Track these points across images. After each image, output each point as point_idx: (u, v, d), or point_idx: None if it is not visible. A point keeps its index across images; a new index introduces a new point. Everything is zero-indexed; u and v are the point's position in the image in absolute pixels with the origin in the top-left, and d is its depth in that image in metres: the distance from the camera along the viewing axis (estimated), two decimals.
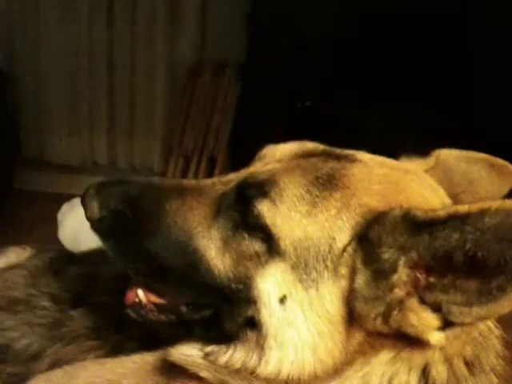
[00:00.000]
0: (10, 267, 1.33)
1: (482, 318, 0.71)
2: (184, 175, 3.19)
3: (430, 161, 0.96)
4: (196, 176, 3.16)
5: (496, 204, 0.65)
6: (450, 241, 0.67)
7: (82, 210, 1.96)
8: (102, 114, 3.62)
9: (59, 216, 2.05)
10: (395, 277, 0.72)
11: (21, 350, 1.11)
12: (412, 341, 0.74)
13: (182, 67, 3.44)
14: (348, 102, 2.89)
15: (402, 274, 0.72)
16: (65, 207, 2.07)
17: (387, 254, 0.72)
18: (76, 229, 1.91)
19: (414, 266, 0.72)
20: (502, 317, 0.79)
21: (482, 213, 0.65)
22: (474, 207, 0.66)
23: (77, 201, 2.09)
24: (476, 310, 0.68)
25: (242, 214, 0.81)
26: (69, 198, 2.43)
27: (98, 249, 1.40)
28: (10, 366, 1.09)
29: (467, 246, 0.66)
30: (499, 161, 0.97)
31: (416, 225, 0.70)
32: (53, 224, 2.29)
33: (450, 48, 2.76)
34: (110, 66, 3.56)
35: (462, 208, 0.67)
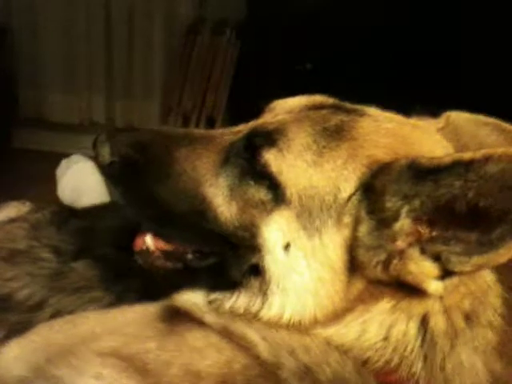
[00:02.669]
0: (11, 220, 1.34)
1: (481, 267, 0.72)
2: None
3: (439, 122, 0.96)
4: None
5: (500, 151, 0.65)
6: (453, 188, 0.68)
7: (81, 167, 1.96)
8: (99, 72, 3.59)
9: (58, 172, 2.04)
10: (398, 226, 0.73)
11: (23, 299, 1.12)
12: (412, 291, 0.75)
13: (180, 25, 3.39)
14: (348, 64, 2.86)
15: (405, 223, 0.73)
16: (64, 164, 2.05)
17: (391, 203, 0.73)
18: (75, 185, 1.90)
19: (416, 218, 0.73)
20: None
21: (486, 160, 0.65)
22: (479, 154, 0.66)
23: (76, 157, 2.10)
24: (475, 259, 0.69)
25: (249, 162, 0.82)
26: (67, 156, 2.42)
27: (98, 204, 1.41)
28: (13, 314, 1.11)
29: (470, 195, 0.67)
30: (510, 126, 0.97)
31: (421, 173, 0.71)
32: (51, 182, 2.29)
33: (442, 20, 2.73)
34: (107, 23, 3.51)
35: (467, 155, 0.67)
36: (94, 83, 3.60)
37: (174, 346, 0.83)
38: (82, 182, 1.87)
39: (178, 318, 0.87)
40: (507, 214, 0.65)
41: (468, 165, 0.66)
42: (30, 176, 2.84)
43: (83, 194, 1.80)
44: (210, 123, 3.21)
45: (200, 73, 3.26)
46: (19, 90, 3.57)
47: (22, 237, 1.24)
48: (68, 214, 1.35)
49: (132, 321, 0.93)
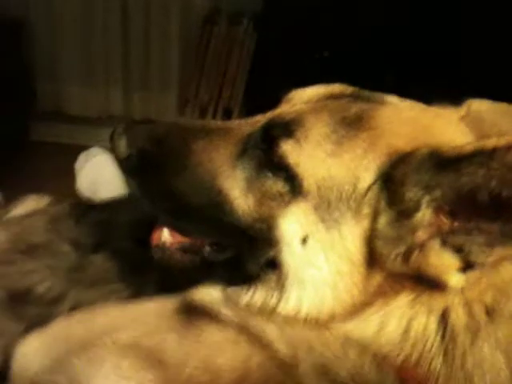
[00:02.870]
0: (30, 213, 1.35)
1: (504, 258, 0.70)
2: None
3: (460, 110, 0.94)
4: None
5: None
6: (476, 178, 0.66)
7: (99, 160, 1.97)
8: (116, 65, 3.60)
9: (77, 166, 2.05)
10: (418, 217, 0.72)
11: (42, 292, 1.13)
12: (432, 284, 0.74)
13: (197, 16, 3.38)
14: (366, 52, 2.84)
15: (426, 214, 0.72)
16: (82, 157, 2.06)
17: (411, 193, 0.71)
18: (94, 178, 1.91)
19: (438, 209, 0.71)
20: None
21: (509, 148, 0.63)
22: (501, 142, 0.64)
23: (94, 150, 2.11)
24: (498, 250, 0.68)
25: (266, 153, 0.81)
26: (86, 149, 2.43)
27: (116, 197, 1.42)
28: (32, 308, 1.11)
29: (492, 184, 0.65)
30: None
31: (442, 162, 0.69)
32: (69, 175, 2.30)
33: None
34: (123, 15, 3.51)
35: (489, 143, 0.65)
36: (111, 76, 3.62)
37: (193, 339, 0.82)
38: (100, 174, 1.88)
39: (195, 312, 0.87)
40: None
41: (491, 153, 0.65)
42: (49, 169, 2.86)
43: (101, 187, 1.81)
44: (227, 115, 3.21)
45: (217, 64, 3.26)
46: (37, 83, 3.59)
47: (41, 230, 1.25)
48: (86, 207, 1.35)
49: (151, 314, 0.94)
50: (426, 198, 0.71)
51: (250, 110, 3.33)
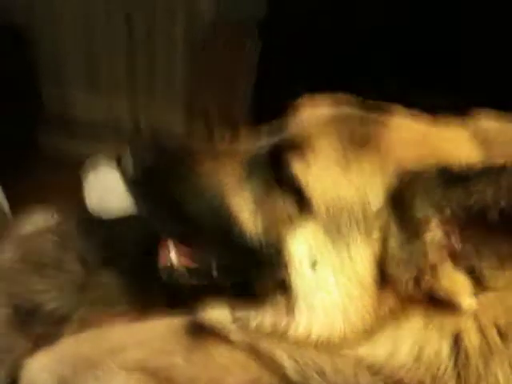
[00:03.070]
0: (39, 232, 1.34)
1: None
2: (206, 137, 3.18)
3: (468, 126, 0.93)
4: (218, 138, 3.15)
5: None
6: (485, 196, 0.65)
7: (106, 172, 1.95)
8: (121, 71, 3.61)
9: (84, 179, 2.05)
10: (428, 238, 0.71)
11: (50, 312, 1.13)
12: (444, 307, 0.73)
13: (202, 23, 3.39)
14: (372, 57, 2.83)
15: (436, 235, 0.71)
16: (89, 168, 2.06)
17: (421, 213, 0.71)
18: (102, 197, 1.91)
19: (448, 230, 0.70)
20: None
21: None
22: (511, 160, 0.64)
23: (101, 162, 2.10)
24: (510, 273, 0.67)
25: (275, 175, 0.81)
26: (93, 160, 2.42)
27: (125, 215, 1.41)
28: (39, 327, 1.11)
29: (502, 203, 0.64)
30: None
31: (451, 181, 0.68)
32: (75, 185, 2.31)
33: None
34: (128, 22, 3.52)
35: (499, 161, 0.65)
36: (115, 88, 3.62)
37: (200, 361, 0.82)
38: (107, 188, 1.88)
39: (203, 333, 0.86)
40: None
41: (500, 171, 0.64)
42: (55, 178, 2.84)
43: (109, 201, 1.80)
44: (233, 122, 3.21)
45: (222, 72, 3.26)
46: (42, 90, 3.59)
47: (50, 249, 1.24)
48: (94, 224, 1.35)
49: (158, 334, 0.93)
50: (436, 218, 0.70)
51: (255, 117, 3.33)
